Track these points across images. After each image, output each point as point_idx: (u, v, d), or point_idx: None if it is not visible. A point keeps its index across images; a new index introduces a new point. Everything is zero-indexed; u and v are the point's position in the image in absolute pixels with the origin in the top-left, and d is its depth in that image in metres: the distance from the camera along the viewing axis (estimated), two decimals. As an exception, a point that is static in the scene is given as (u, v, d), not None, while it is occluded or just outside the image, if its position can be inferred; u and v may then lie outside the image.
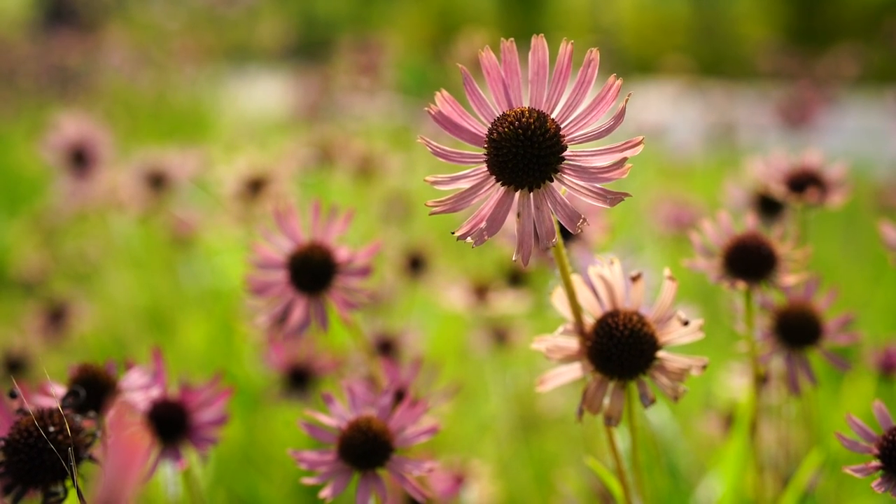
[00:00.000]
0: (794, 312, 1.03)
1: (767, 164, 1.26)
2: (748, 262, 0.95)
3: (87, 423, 0.75)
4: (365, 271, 0.98)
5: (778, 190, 1.22)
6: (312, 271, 0.97)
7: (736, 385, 1.50)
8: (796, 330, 1.02)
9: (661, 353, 0.77)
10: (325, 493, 0.81)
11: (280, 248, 1.00)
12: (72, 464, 0.71)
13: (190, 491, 1.00)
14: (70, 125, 2.14)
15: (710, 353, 1.57)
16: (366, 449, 0.82)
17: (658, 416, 1.47)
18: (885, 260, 1.22)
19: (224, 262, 2.58)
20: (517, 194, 0.68)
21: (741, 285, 0.94)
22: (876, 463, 0.77)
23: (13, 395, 0.76)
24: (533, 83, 0.68)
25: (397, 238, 2.33)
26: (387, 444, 0.83)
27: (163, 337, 2.20)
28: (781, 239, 0.97)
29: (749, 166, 1.30)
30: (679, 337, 0.78)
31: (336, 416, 0.86)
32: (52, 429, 0.72)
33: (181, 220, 2.35)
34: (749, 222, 0.99)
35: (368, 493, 0.82)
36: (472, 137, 0.69)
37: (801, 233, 1.04)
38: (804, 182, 1.22)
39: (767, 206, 1.47)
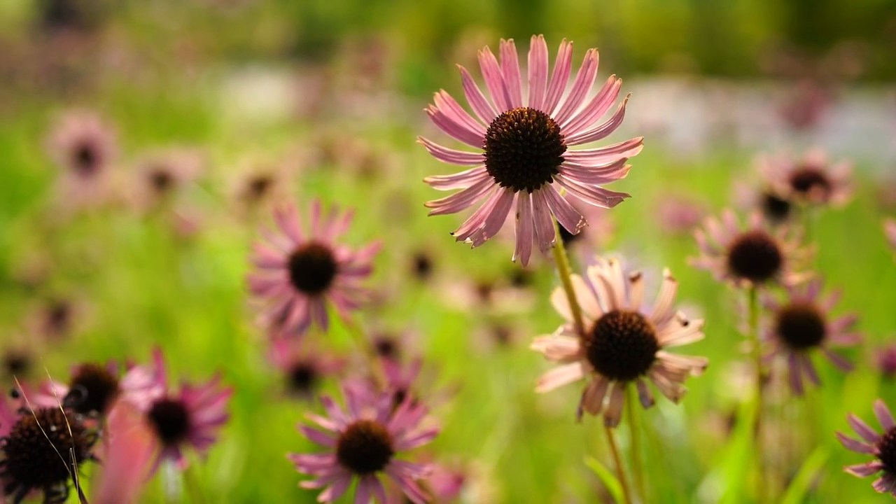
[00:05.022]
0: (797, 313, 1.03)
1: (772, 164, 1.26)
2: (753, 260, 0.95)
3: (88, 423, 0.75)
4: (365, 271, 0.98)
5: (782, 189, 1.22)
6: (313, 271, 0.97)
7: (737, 385, 1.50)
8: (800, 330, 1.02)
9: (660, 354, 0.77)
10: (324, 496, 0.81)
11: (280, 247, 1.00)
12: (73, 463, 0.71)
13: (190, 491, 1.00)
14: (75, 123, 2.14)
15: (710, 353, 1.57)
16: (365, 453, 0.82)
17: (659, 415, 1.47)
18: (886, 259, 1.22)
19: (226, 262, 2.58)
20: (516, 195, 0.68)
21: (746, 284, 0.94)
22: (877, 463, 0.77)
23: (15, 395, 0.76)
24: (532, 84, 0.68)
25: (403, 239, 2.33)
26: (386, 447, 0.83)
27: (164, 336, 2.20)
28: (786, 238, 0.97)
29: (756, 165, 1.30)
30: (679, 337, 0.78)
31: (335, 419, 0.86)
32: (53, 428, 0.72)
33: (183, 220, 2.36)
34: (754, 221, 0.99)
35: (368, 497, 0.82)
36: (471, 138, 0.69)
37: (805, 232, 1.04)
38: (808, 181, 1.22)
39: (774, 206, 1.47)
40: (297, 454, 0.84)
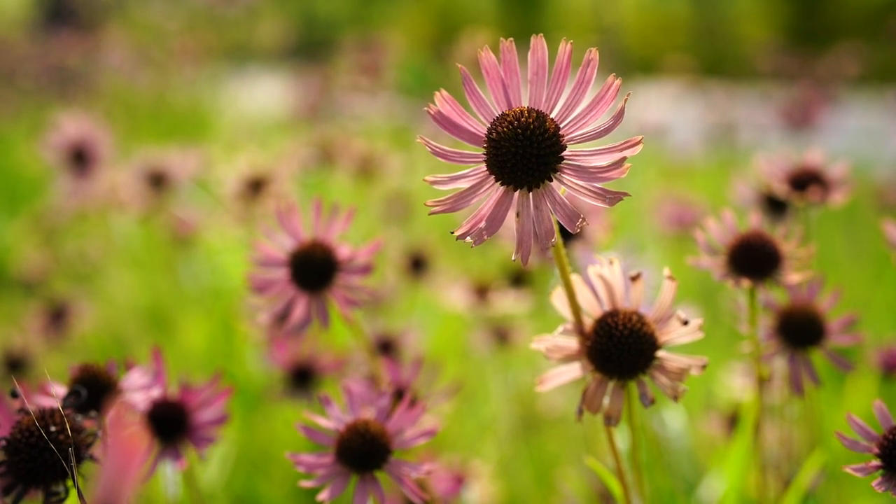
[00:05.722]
0: (797, 313, 1.03)
1: (770, 163, 1.26)
2: (752, 259, 0.95)
3: (87, 423, 0.75)
4: (366, 269, 0.98)
5: (780, 189, 1.22)
6: (314, 269, 0.97)
7: (737, 385, 1.50)
8: (800, 330, 1.02)
9: (660, 353, 0.77)
10: (322, 495, 0.81)
11: (281, 245, 1.00)
12: (72, 463, 0.71)
13: (190, 491, 1.00)
14: (70, 125, 2.14)
15: (710, 353, 1.57)
16: (363, 451, 0.82)
17: (659, 415, 1.47)
18: (885, 259, 1.22)
19: (224, 262, 2.58)
20: (516, 194, 0.68)
21: (745, 283, 0.94)
22: (876, 462, 0.77)
23: (14, 395, 0.76)
24: (532, 83, 0.68)
25: (399, 238, 2.33)
26: (384, 446, 0.83)
27: (163, 337, 2.20)
28: (786, 237, 0.97)
29: (756, 165, 1.30)
30: (679, 336, 0.78)
31: (333, 418, 0.86)
32: (52, 428, 0.72)
33: (181, 220, 2.35)
34: (753, 220, 0.98)
35: (366, 496, 0.82)
36: (471, 137, 0.69)
37: (804, 232, 1.04)
38: (806, 181, 1.22)
39: (774, 205, 1.47)
40: (295, 453, 0.84)
